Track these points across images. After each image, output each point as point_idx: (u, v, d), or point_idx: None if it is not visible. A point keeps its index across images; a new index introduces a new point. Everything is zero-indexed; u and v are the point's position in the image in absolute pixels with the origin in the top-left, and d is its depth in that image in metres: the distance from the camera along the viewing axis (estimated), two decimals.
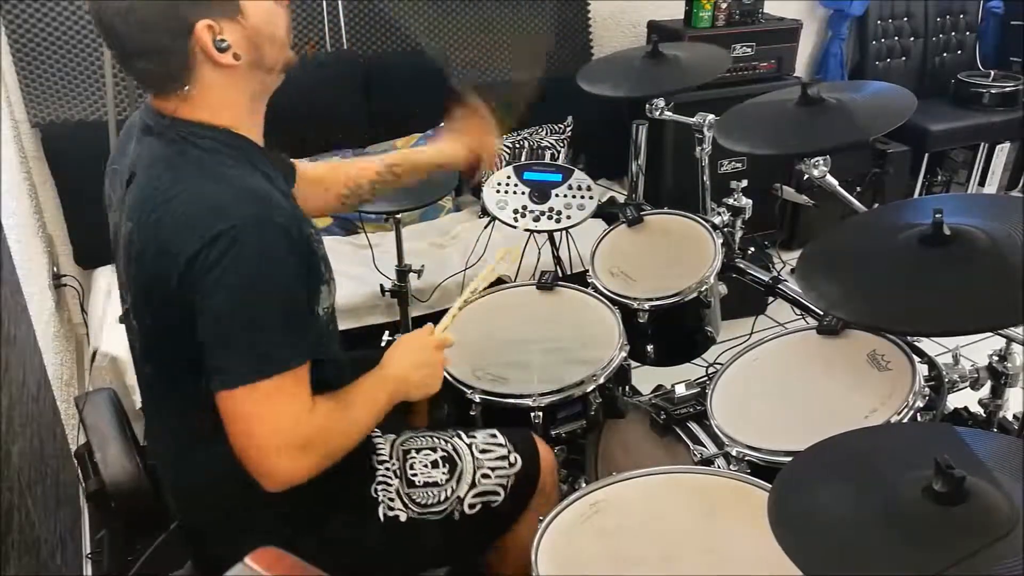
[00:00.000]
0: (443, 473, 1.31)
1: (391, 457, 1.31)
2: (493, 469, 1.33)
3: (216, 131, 1.09)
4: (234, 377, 1.02)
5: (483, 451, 1.34)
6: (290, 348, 1.05)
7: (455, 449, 1.34)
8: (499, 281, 2.01)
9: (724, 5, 2.97)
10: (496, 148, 1.64)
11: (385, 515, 1.26)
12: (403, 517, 1.26)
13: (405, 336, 1.33)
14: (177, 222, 1.01)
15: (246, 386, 1.02)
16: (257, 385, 1.02)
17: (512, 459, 1.35)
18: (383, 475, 1.28)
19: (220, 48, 1.04)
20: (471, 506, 1.30)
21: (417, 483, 1.29)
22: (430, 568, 1.43)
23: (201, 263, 0.99)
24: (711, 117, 1.92)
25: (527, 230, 1.90)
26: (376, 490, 1.27)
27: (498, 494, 1.32)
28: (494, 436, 1.37)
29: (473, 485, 1.31)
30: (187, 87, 1.07)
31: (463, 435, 1.37)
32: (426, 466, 1.31)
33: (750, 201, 1.88)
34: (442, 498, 1.29)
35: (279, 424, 1.04)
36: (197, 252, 0.99)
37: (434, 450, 1.33)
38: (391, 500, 1.27)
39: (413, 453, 1.32)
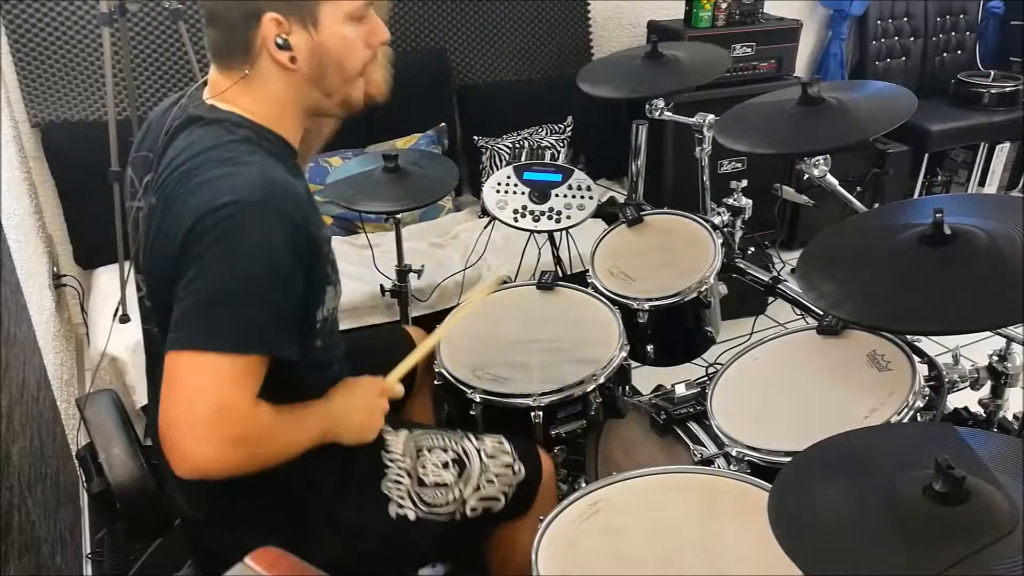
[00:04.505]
0: (452, 474, 1.31)
1: (404, 454, 1.31)
2: (497, 475, 1.34)
3: (256, 125, 1.11)
4: (185, 339, 0.99)
5: (490, 456, 1.35)
6: (253, 334, 1.01)
7: (464, 451, 1.34)
8: (504, 281, 2.00)
9: (724, 5, 2.97)
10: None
11: (396, 513, 1.26)
12: (412, 516, 1.27)
13: (354, 379, 1.28)
14: (191, 195, 1.02)
15: (194, 352, 0.98)
16: (206, 355, 0.99)
17: (516, 467, 1.36)
18: (396, 474, 1.28)
19: (279, 45, 1.07)
20: (473, 509, 1.31)
21: (427, 483, 1.29)
22: (428, 563, 1.43)
23: (199, 229, 0.99)
24: (711, 117, 1.92)
25: (527, 230, 1.91)
26: (388, 487, 1.27)
27: (499, 500, 1.33)
28: (501, 443, 1.38)
29: (477, 488, 1.31)
30: (247, 69, 1.10)
31: (472, 438, 1.37)
32: (437, 466, 1.31)
33: (750, 201, 1.88)
34: (449, 499, 1.29)
35: (218, 408, 0.99)
36: (198, 220, 0.99)
37: (445, 450, 1.34)
38: (402, 499, 1.27)
39: (426, 452, 1.33)
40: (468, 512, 1.30)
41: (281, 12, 1.06)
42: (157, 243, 1.08)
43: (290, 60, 1.08)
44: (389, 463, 1.29)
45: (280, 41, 1.07)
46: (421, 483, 1.29)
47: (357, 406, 1.24)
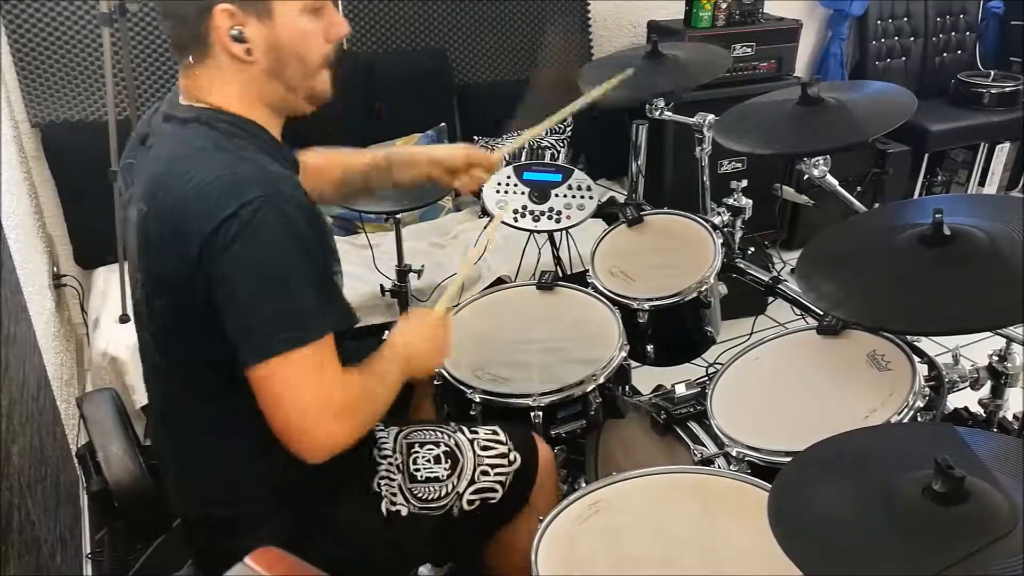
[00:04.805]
0: (445, 469, 1.31)
1: (394, 451, 1.31)
2: (492, 466, 1.33)
3: (234, 116, 1.11)
4: (266, 349, 1.01)
5: (484, 448, 1.34)
6: (320, 316, 1.05)
7: (457, 444, 1.34)
8: (499, 281, 2.00)
9: (724, 5, 2.97)
10: (487, 173, 1.54)
11: (388, 510, 1.26)
12: (404, 512, 1.26)
13: (408, 315, 1.33)
14: (194, 200, 1.02)
15: (280, 356, 1.01)
16: (292, 355, 1.01)
17: (512, 457, 1.34)
18: (386, 470, 1.29)
19: (234, 38, 1.06)
20: (469, 502, 1.30)
21: (419, 478, 1.29)
22: (430, 563, 1.43)
23: (221, 238, 0.99)
24: (711, 117, 1.92)
25: (527, 230, 1.90)
26: (379, 484, 1.27)
27: (496, 491, 1.32)
28: (495, 433, 1.37)
29: (472, 481, 1.31)
30: (206, 64, 1.09)
31: (465, 430, 1.37)
32: (428, 461, 1.31)
33: (750, 201, 1.88)
34: (442, 493, 1.29)
35: (319, 392, 1.04)
36: (216, 228, 0.99)
37: (437, 445, 1.33)
38: (393, 495, 1.27)
39: (416, 447, 1.33)
40: (465, 506, 1.30)
41: (234, 4, 1.05)
42: (158, 249, 1.08)
43: (246, 52, 1.07)
44: (380, 460, 1.29)
45: (235, 33, 1.06)
46: (412, 479, 1.29)
47: (424, 336, 1.27)
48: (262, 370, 1.02)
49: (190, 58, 1.10)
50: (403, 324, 1.29)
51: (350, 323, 1.12)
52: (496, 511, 1.33)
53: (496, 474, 1.32)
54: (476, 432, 1.36)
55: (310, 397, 1.04)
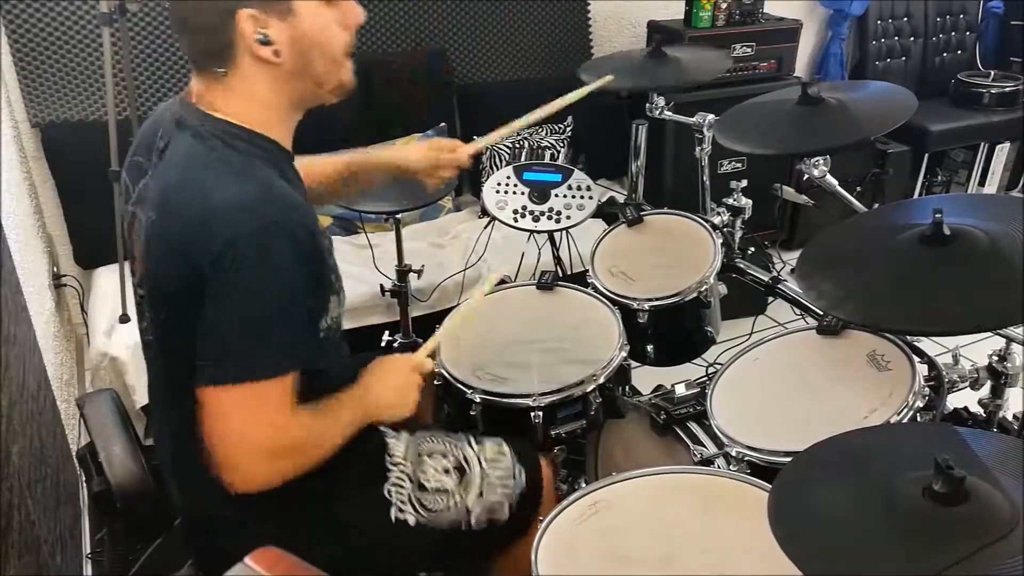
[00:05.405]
0: (453, 480, 1.32)
1: (406, 458, 1.31)
2: (500, 478, 1.34)
3: (248, 132, 1.10)
4: (222, 374, 1.02)
5: (490, 461, 1.35)
6: (282, 356, 1.05)
7: (465, 457, 1.35)
8: (500, 281, 2.00)
9: (724, 5, 2.97)
10: (454, 172, 1.64)
11: (396, 517, 1.27)
12: (412, 521, 1.27)
13: (384, 358, 1.32)
14: (202, 221, 1.02)
15: (233, 385, 1.02)
16: (243, 386, 1.02)
17: (516, 471, 1.36)
18: (398, 477, 1.29)
19: (261, 41, 1.05)
20: (478, 520, 1.31)
21: (428, 488, 1.30)
22: (428, 571, 1.43)
23: (219, 264, 1.00)
24: (711, 117, 1.92)
25: (527, 230, 1.90)
26: (390, 491, 1.28)
27: (503, 505, 1.33)
28: (500, 446, 1.38)
29: (480, 495, 1.32)
30: (227, 72, 1.08)
31: (472, 443, 1.38)
32: (438, 471, 1.32)
33: (750, 201, 1.88)
34: (450, 504, 1.29)
35: (257, 428, 1.04)
36: (220, 253, 1.00)
37: (445, 456, 1.34)
38: (403, 503, 1.28)
39: (427, 457, 1.33)
40: (473, 522, 1.30)
41: (255, 7, 1.04)
42: (163, 262, 1.08)
43: (274, 54, 1.07)
44: (391, 467, 1.30)
45: (260, 36, 1.05)
46: (422, 488, 1.29)
47: (390, 385, 1.27)
48: (210, 392, 1.03)
49: (215, 70, 1.09)
50: (375, 367, 1.28)
51: (311, 365, 1.11)
52: (502, 531, 1.34)
53: (503, 489, 1.33)
54: (482, 446, 1.37)
55: (248, 431, 1.04)
